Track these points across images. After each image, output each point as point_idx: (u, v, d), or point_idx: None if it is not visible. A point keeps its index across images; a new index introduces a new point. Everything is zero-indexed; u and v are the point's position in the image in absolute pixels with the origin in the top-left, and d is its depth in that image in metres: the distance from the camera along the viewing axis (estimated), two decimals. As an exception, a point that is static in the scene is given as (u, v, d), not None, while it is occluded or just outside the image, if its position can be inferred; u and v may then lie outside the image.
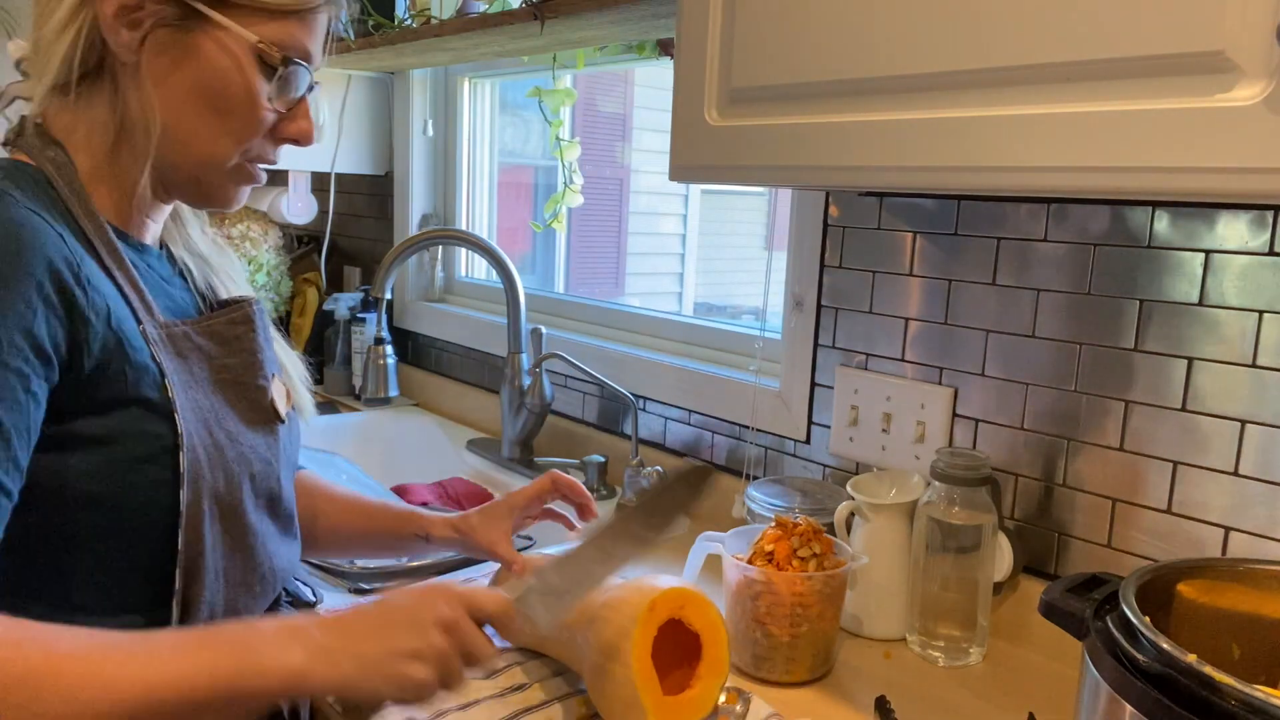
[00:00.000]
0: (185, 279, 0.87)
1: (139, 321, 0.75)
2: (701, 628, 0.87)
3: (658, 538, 0.83)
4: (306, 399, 0.93)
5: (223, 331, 0.83)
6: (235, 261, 0.93)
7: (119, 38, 0.73)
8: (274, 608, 0.91)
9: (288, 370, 0.91)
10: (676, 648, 0.87)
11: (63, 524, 0.71)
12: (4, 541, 0.65)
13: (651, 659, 0.83)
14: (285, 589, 0.94)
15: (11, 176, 0.72)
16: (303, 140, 0.82)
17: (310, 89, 0.81)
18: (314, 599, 0.99)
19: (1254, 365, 0.92)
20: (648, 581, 0.88)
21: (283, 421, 0.88)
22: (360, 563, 1.28)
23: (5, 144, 0.80)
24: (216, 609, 0.79)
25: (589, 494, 1.05)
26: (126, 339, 0.73)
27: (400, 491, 1.54)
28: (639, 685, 0.81)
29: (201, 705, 0.61)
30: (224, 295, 0.89)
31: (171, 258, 0.87)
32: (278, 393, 0.87)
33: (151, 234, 0.85)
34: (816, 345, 1.32)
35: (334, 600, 1.11)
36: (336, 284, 2.38)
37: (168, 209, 0.86)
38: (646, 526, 0.83)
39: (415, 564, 1.21)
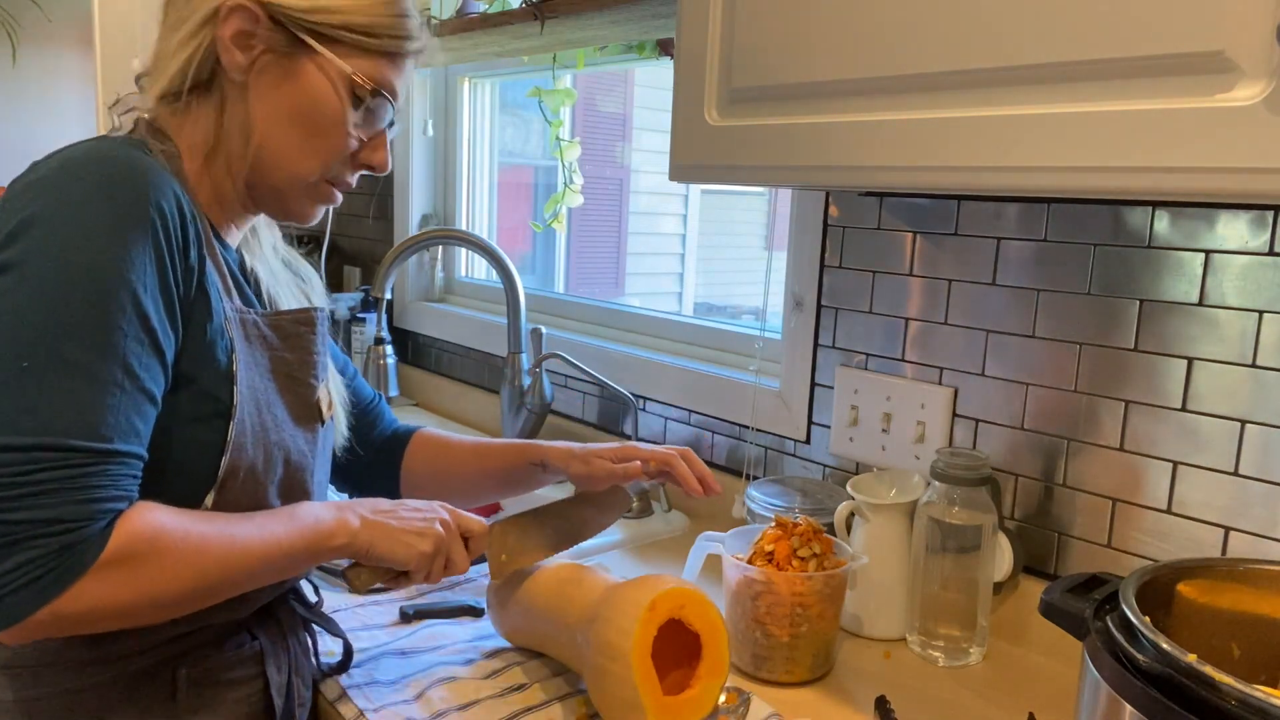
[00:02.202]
0: (255, 285, 0.93)
1: (222, 299, 0.82)
2: (701, 628, 0.87)
3: (601, 524, 1.04)
4: (341, 419, 1.00)
5: (286, 327, 0.89)
6: (295, 285, 0.98)
7: (232, 58, 0.81)
8: (280, 601, 0.92)
9: (332, 387, 0.96)
10: (676, 647, 0.87)
11: None
12: None
13: (652, 659, 0.83)
14: (293, 586, 0.96)
15: (137, 147, 0.79)
16: (378, 168, 0.90)
17: (390, 124, 0.90)
18: (316, 598, 1.00)
19: (1254, 365, 0.92)
20: (648, 581, 0.88)
21: (323, 423, 0.93)
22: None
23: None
24: None
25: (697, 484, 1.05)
26: (210, 305, 0.80)
27: (400, 491, 1.54)
28: (639, 685, 0.81)
29: (296, 558, 0.80)
30: (284, 307, 0.94)
31: (243, 265, 0.92)
32: (323, 396, 0.93)
33: (234, 238, 0.91)
34: (816, 345, 1.32)
35: (333, 600, 1.11)
36: (337, 284, 2.38)
37: (250, 220, 0.92)
38: (599, 510, 1.04)
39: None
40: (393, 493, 1.11)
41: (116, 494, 0.70)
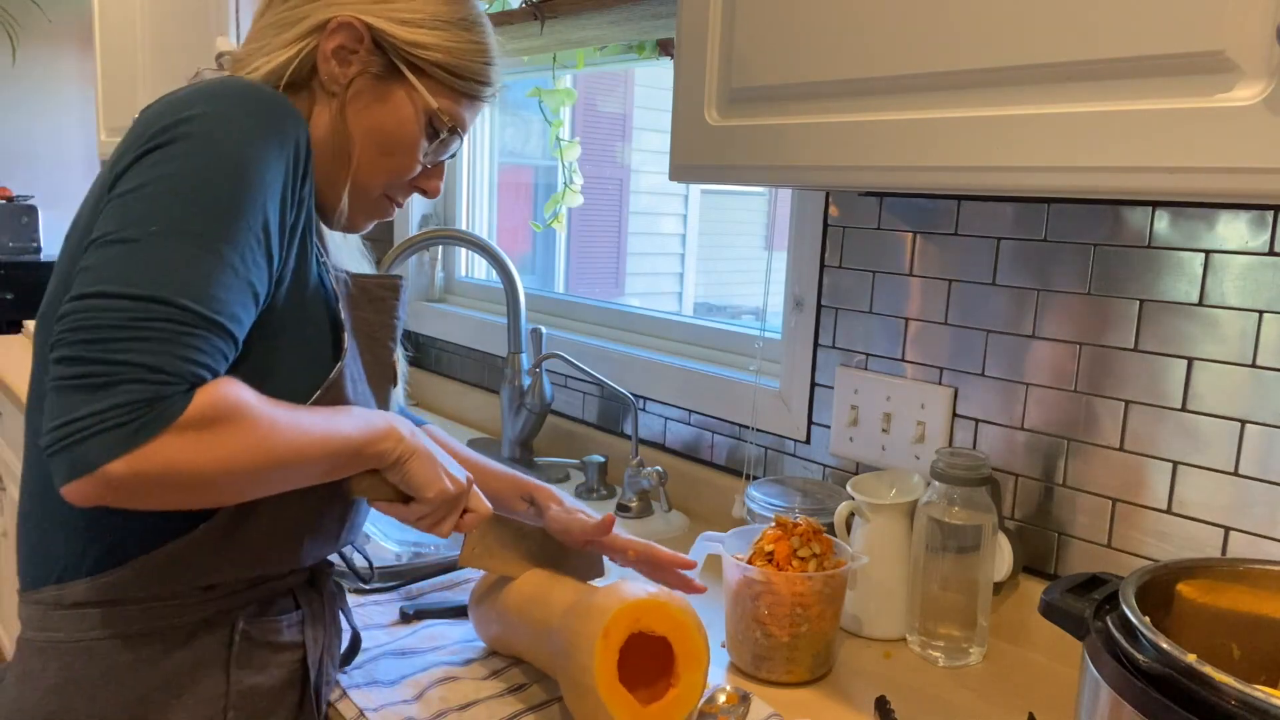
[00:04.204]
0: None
1: (318, 252, 0.86)
2: (666, 629, 0.85)
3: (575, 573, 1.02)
4: (400, 392, 1.02)
5: (373, 290, 0.95)
6: (369, 256, 1.04)
7: (330, 69, 0.86)
8: (324, 573, 0.95)
9: (399, 356, 1.00)
10: (644, 653, 0.86)
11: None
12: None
13: (621, 676, 0.82)
14: (340, 555, 1.01)
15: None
16: (431, 193, 0.96)
17: (453, 155, 0.96)
18: (369, 575, 1.08)
19: (1254, 365, 0.92)
20: (600, 600, 0.85)
21: (395, 385, 0.97)
22: (378, 563, 1.28)
23: None
24: (283, 521, 0.85)
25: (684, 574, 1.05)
26: (311, 249, 0.84)
27: (400, 491, 1.54)
28: (613, 712, 0.81)
29: (348, 453, 0.81)
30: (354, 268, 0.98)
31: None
32: (397, 361, 0.97)
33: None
34: (816, 345, 1.32)
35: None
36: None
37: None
38: (578, 563, 1.04)
39: (413, 564, 1.21)
40: None
41: (210, 363, 0.72)
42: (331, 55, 0.85)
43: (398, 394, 1.01)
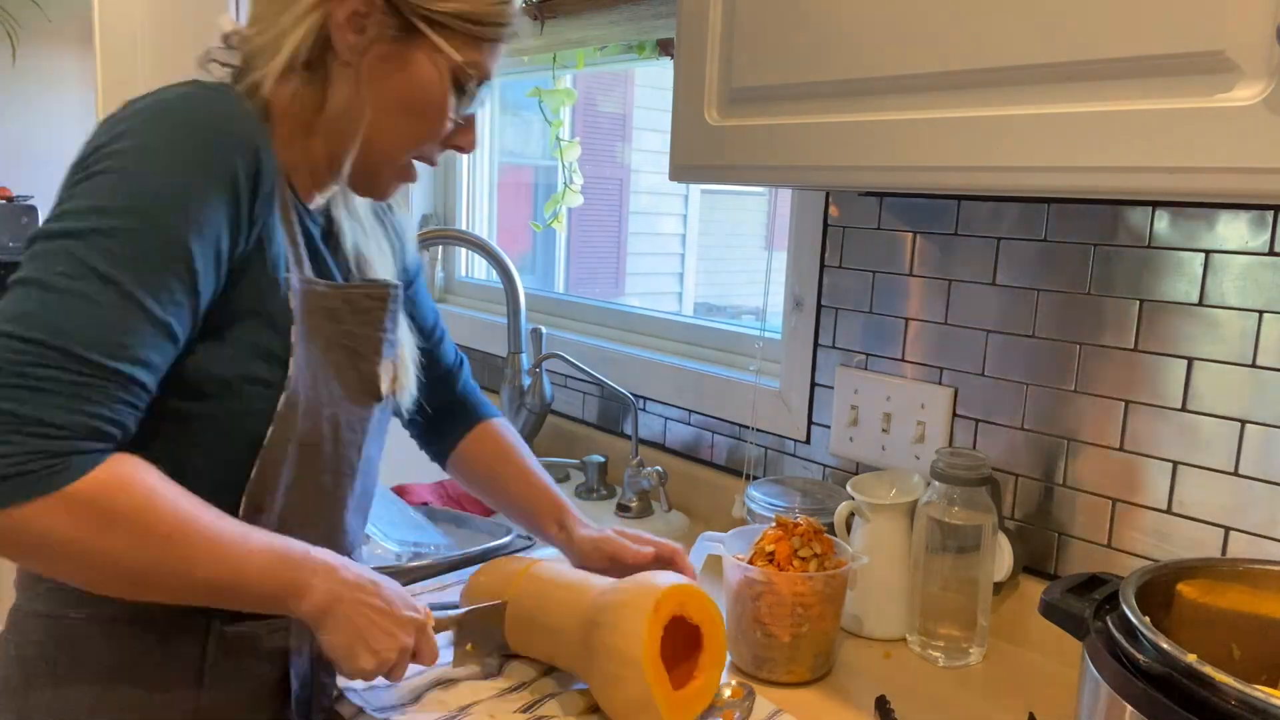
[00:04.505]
0: (336, 245, 0.93)
1: (286, 269, 0.82)
2: (702, 620, 0.88)
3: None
4: (411, 381, 0.98)
5: (357, 301, 0.90)
6: (385, 238, 0.99)
7: (345, 39, 0.81)
8: None
9: (403, 353, 0.96)
10: (676, 640, 0.88)
11: (178, 414, 0.78)
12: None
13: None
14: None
15: (232, 97, 0.80)
16: (466, 148, 0.92)
17: (483, 104, 0.92)
18: None
19: (1254, 365, 0.92)
20: (645, 582, 0.88)
21: (379, 400, 0.93)
22: (376, 564, 1.28)
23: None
24: (282, 527, 0.83)
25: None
26: (270, 270, 0.80)
27: (400, 491, 1.54)
28: (652, 686, 0.82)
29: (242, 596, 0.77)
30: (368, 271, 0.95)
31: (329, 223, 0.93)
32: (385, 372, 0.93)
33: (315, 203, 0.91)
34: (816, 345, 1.32)
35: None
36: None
37: (332, 188, 0.92)
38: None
39: (413, 564, 1.21)
40: (438, 457, 1.15)
41: (109, 415, 0.69)
42: (346, 23, 0.81)
43: (407, 388, 0.97)
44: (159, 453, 0.75)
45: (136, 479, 0.71)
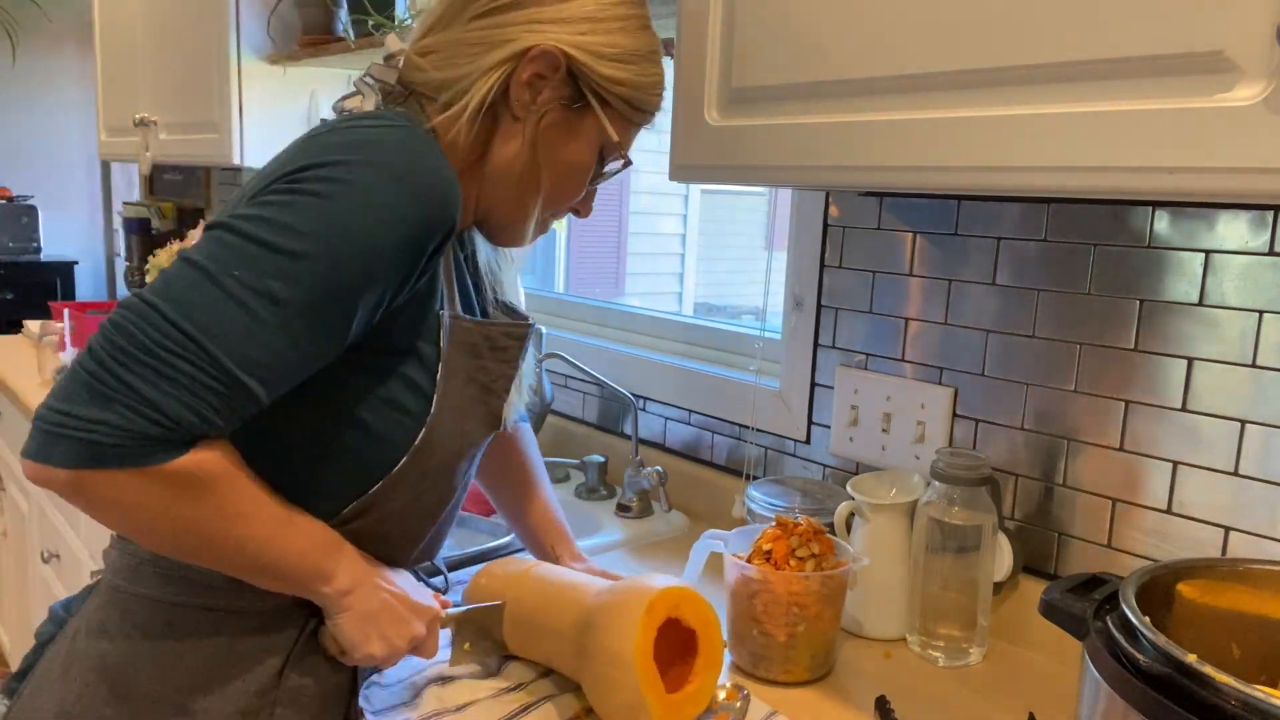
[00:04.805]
0: (474, 269, 0.97)
1: (441, 305, 0.85)
2: (697, 624, 0.88)
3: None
4: (520, 404, 1.00)
5: (497, 339, 0.91)
6: (515, 268, 1.02)
7: (522, 97, 0.84)
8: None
9: (520, 382, 0.98)
10: (670, 643, 0.87)
11: (317, 435, 0.82)
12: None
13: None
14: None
15: (433, 138, 0.82)
16: (584, 214, 0.96)
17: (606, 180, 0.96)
18: (444, 588, 1.06)
19: (1254, 365, 0.92)
20: (641, 582, 0.88)
21: (499, 431, 0.95)
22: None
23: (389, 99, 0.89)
24: (396, 525, 0.88)
25: None
26: (428, 315, 0.83)
27: (400, 491, 1.54)
28: (643, 689, 0.82)
29: (276, 576, 0.80)
30: (501, 295, 0.99)
31: (475, 258, 0.97)
32: (509, 408, 0.95)
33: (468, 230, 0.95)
34: (816, 345, 1.32)
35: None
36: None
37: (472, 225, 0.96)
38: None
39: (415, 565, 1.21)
40: None
41: (217, 421, 0.71)
42: (526, 82, 0.83)
43: (514, 415, 0.99)
44: (289, 464, 0.80)
45: (218, 462, 0.73)
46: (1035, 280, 1.08)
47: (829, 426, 1.30)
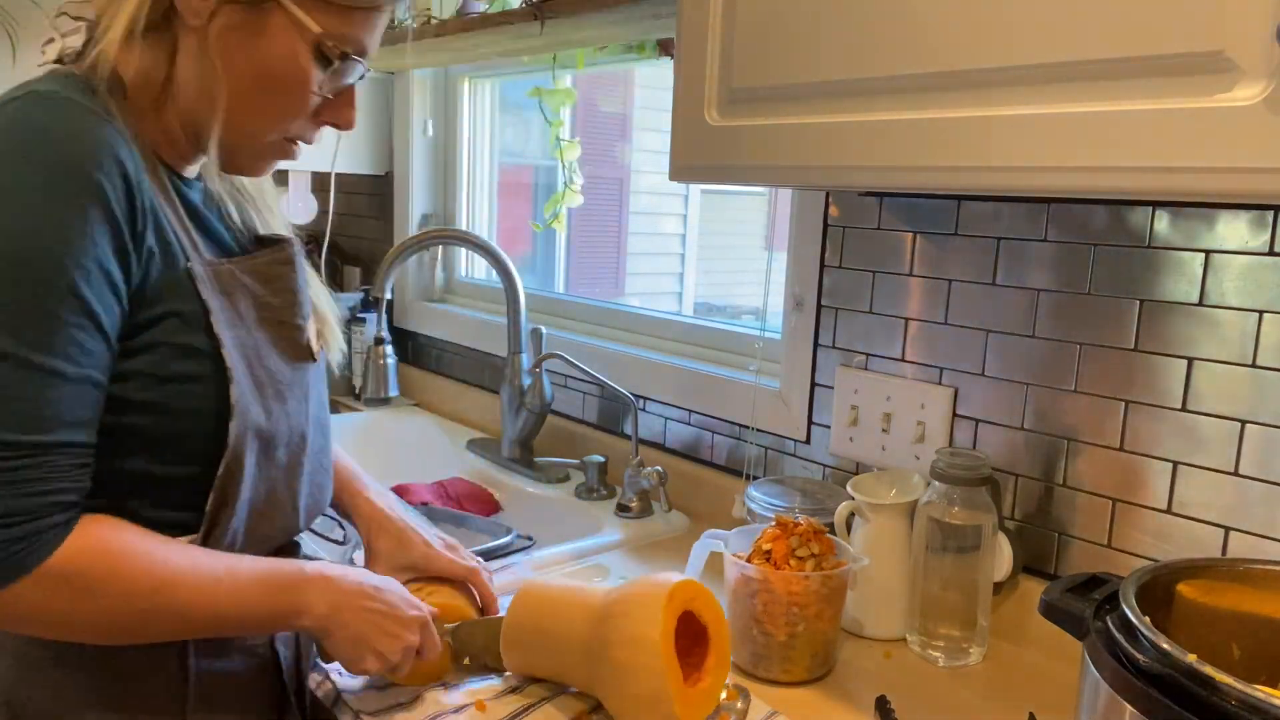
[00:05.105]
0: (221, 211, 0.89)
1: (186, 258, 0.77)
2: (710, 620, 0.88)
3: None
4: (338, 336, 0.95)
5: (265, 271, 0.85)
6: (271, 190, 0.94)
7: (189, 2, 0.74)
8: (294, 545, 0.93)
9: (320, 308, 0.93)
10: (683, 640, 0.87)
11: (121, 431, 0.75)
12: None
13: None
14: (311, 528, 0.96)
15: (75, 87, 0.73)
16: (342, 125, 0.84)
17: (360, 78, 0.83)
18: (341, 536, 1.05)
19: (1254, 365, 0.92)
20: (653, 577, 0.88)
21: (314, 360, 0.90)
22: (360, 564, 1.28)
23: (59, 62, 0.81)
24: (238, 535, 0.82)
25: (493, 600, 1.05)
26: (174, 268, 0.76)
27: (400, 491, 1.54)
28: (666, 674, 0.81)
29: (245, 625, 0.80)
30: (260, 229, 0.91)
31: (207, 190, 0.88)
32: (312, 332, 0.90)
33: (193, 169, 0.86)
34: (816, 345, 1.32)
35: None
36: (337, 284, 2.38)
37: (201, 158, 0.87)
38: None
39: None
40: None
41: (63, 485, 0.68)
42: None
43: (334, 344, 0.94)
44: (113, 481, 0.74)
45: (108, 540, 0.70)
46: (1035, 280, 1.08)
47: (829, 426, 1.30)
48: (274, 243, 0.90)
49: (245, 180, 0.91)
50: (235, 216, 0.89)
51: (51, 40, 0.82)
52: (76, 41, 0.81)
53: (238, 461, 0.79)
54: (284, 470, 0.86)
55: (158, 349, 0.75)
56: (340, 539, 1.10)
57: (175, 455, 0.77)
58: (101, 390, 0.72)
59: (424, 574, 1.00)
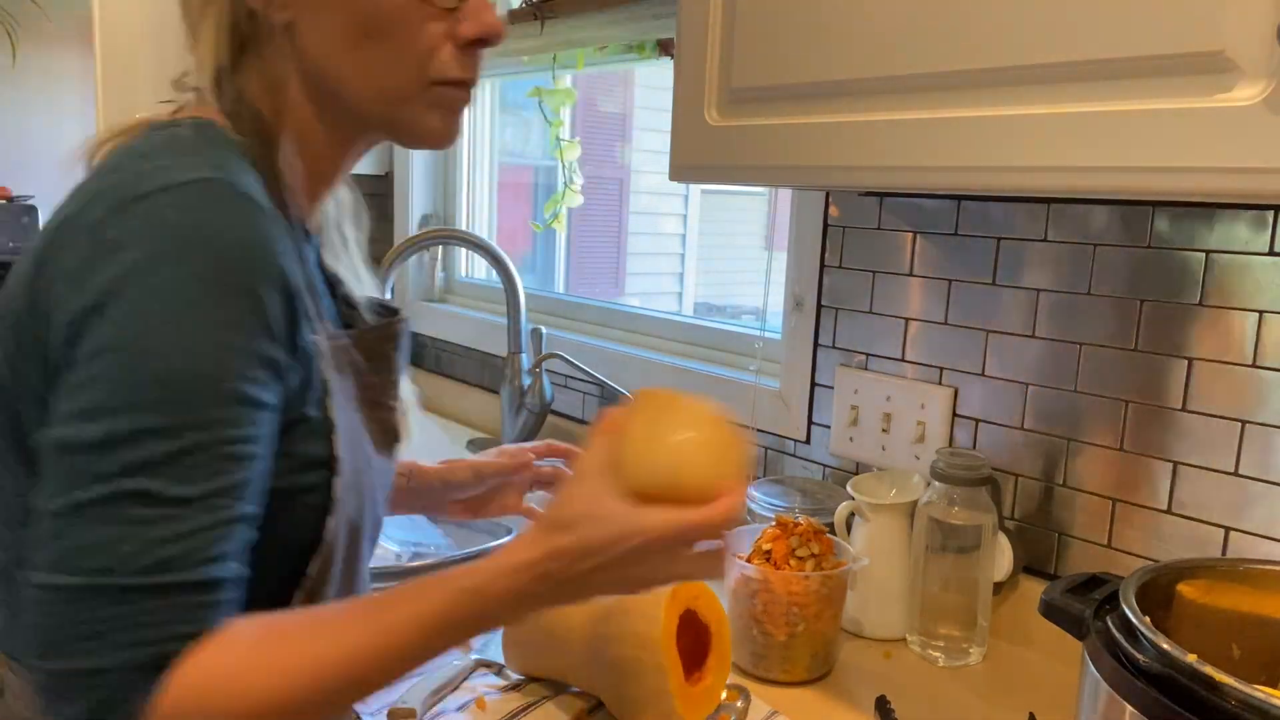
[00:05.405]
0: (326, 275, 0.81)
1: (313, 333, 0.68)
2: (711, 619, 0.88)
3: None
4: (413, 424, 0.87)
5: (375, 347, 0.78)
6: (361, 249, 0.86)
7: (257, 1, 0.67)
8: None
9: (404, 390, 0.85)
10: (683, 639, 0.87)
11: None
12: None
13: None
14: None
15: (228, 154, 0.65)
16: (490, 36, 0.71)
17: None
18: None
19: (1254, 365, 0.92)
20: None
21: (401, 446, 0.83)
22: (376, 563, 1.28)
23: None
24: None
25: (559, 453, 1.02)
26: (303, 349, 0.67)
27: (400, 491, 1.54)
28: (668, 673, 0.82)
29: (448, 637, 0.62)
30: (356, 291, 0.82)
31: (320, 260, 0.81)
32: (401, 417, 0.83)
33: (316, 218, 0.79)
34: (816, 345, 1.32)
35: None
36: (336, 284, 2.38)
37: (337, 183, 0.79)
38: None
39: (413, 564, 1.21)
40: None
41: (177, 630, 0.57)
42: None
43: (409, 431, 0.86)
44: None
45: (195, 675, 0.57)
46: (1035, 280, 1.08)
47: (829, 426, 1.30)
48: (385, 313, 0.81)
49: (348, 232, 0.83)
50: (343, 293, 0.81)
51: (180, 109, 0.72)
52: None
53: (330, 558, 0.71)
54: (359, 561, 0.78)
55: (286, 456, 0.66)
56: None
57: (267, 554, 0.66)
58: (259, 514, 0.63)
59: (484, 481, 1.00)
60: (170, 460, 0.57)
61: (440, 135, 0.73)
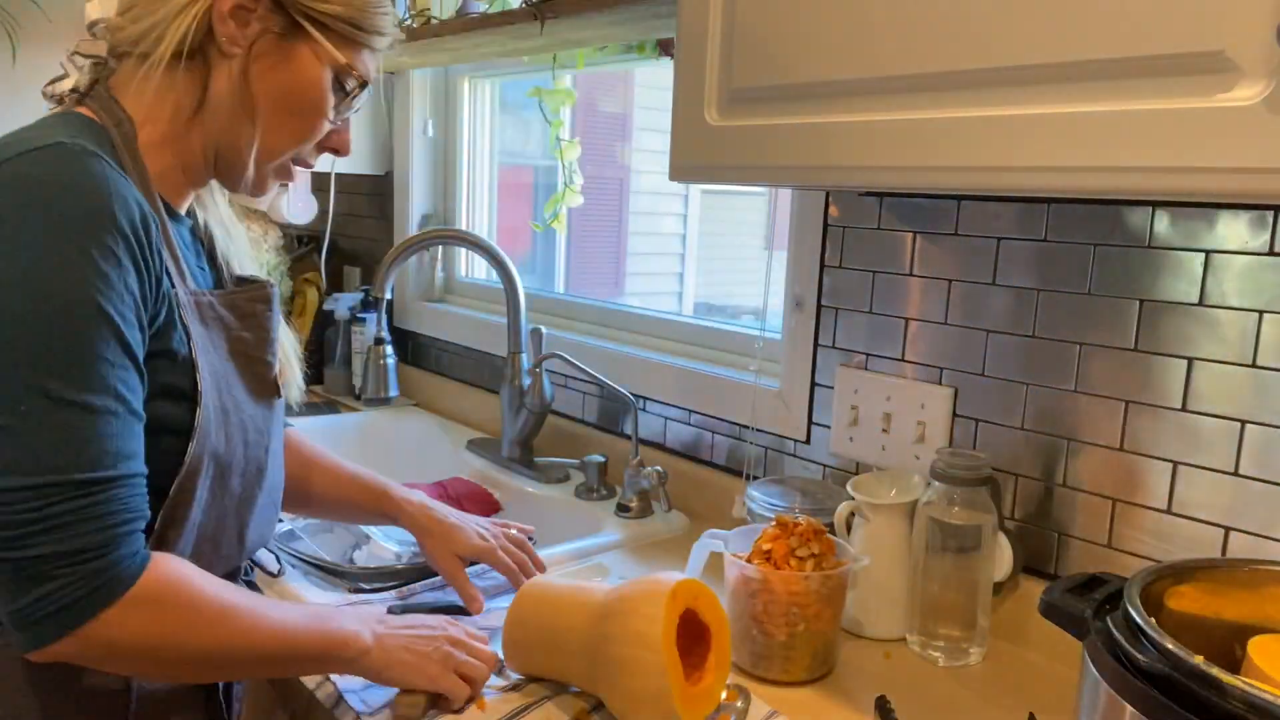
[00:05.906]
0: (203, 248, 0.94)
1: (173, 286, 0.82)
2: (711, 620, 0.88)
3: None
4: (297, 375, 1.00)
5: (243, 306, 0.90)
6: (245, 237, 1.00)
7: (227, 30, 0.82)
8: (234, 573, 0.94)
9: (285, 347, 0.97)
10: (683, 640, 0.87)
11: None
12: None
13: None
14: (250, 559, 0.99)
15: (84, 132, 0.78)
16: (342, 150, 0.93)
17: (358, 110, 0.93)
18: (276, 569, 1.09)
19: (1254, 365, 0.92)
20: (658, 575, 0.88)
21: (278, 397, 0.95)
22: (360, 562, 1.28)
23: (62, 100, 0.86)
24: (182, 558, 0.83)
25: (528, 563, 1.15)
26: (167, 299, 0.80)
27: (400, 491, 1.54)
28: (668, 672, 0.82)
29: (297, 660, 0.84)
30: (237, 270, 0.96)
31: (194, 227, 0.93)
32: (282, 373, 0.95)
33: (186, 205, 0.91)
34: (816, 345, 1.32)
35: (328, 598, 1.11)
36: (337, 284, 2.38)
37: (200, 189, 0.93)
38: None
39: (413, 564, 1.21)
40: None
41: (130, 515, 0.73)
42: (229, 15, 0.81)
43: (294, 384, 0.98)
44: None
45: (177, 569, 0.76)
46: (1035, 280, 1.08)
47: (829, 426, 1.30)
48: (253, 282, 0.95)
49: (226, 220, 0.97)
50: (220, 253, 0.95)
51: (64, 76, 0.87)
52: (84, 80, 0.86)
53: (191, 483, 0.81)
54: (236, 500, 0.88)
55: (152, 376, 0.79)
56: (275, 571, 1.14)
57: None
58: (142, 419, 0.76)
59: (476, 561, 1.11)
60: (72, 372, 0.69)
61: (263, 193, 0.92)
